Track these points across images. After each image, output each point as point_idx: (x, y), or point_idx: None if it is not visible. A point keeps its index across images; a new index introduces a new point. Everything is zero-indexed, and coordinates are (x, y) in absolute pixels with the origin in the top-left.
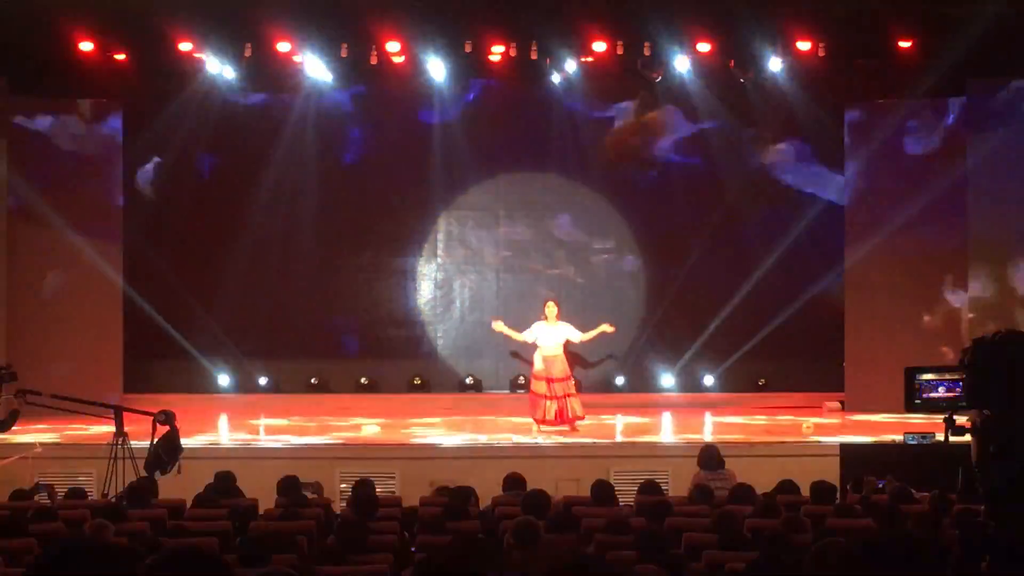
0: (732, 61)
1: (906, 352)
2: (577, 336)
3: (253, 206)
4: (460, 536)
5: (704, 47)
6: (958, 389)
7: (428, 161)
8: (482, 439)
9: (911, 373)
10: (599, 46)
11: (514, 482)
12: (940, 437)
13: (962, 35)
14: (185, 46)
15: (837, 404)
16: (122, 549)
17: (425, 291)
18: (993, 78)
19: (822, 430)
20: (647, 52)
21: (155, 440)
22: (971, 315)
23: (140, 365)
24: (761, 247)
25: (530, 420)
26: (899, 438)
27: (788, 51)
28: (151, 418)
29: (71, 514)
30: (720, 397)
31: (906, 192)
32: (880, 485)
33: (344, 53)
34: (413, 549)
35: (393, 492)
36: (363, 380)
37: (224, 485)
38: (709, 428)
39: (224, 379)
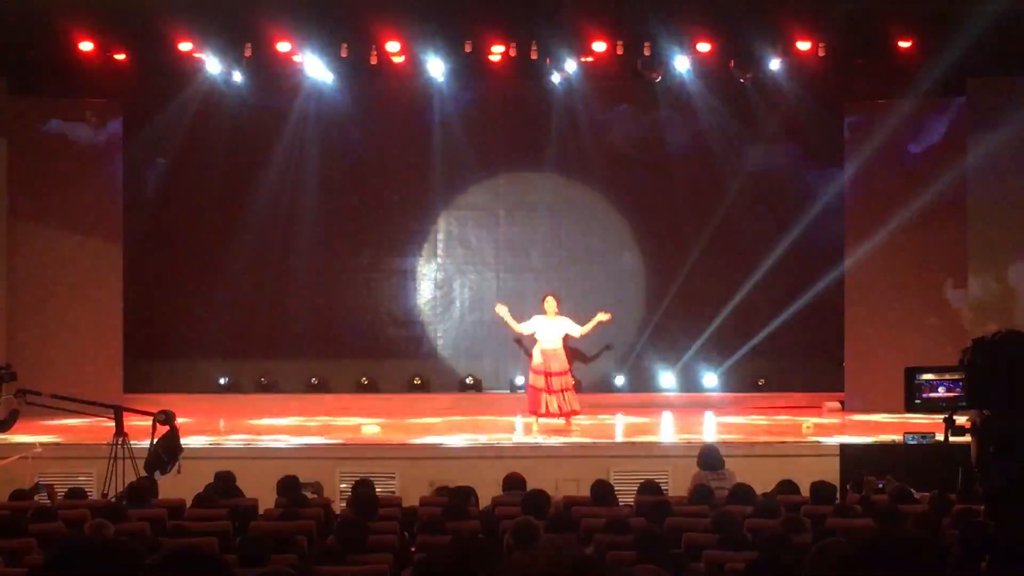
0: (732, 61)
1: (906, 352)
2: (576, 330)
3: (253, 206)
4: (460, 536)
5: (704, 47)
6: (958, 389)
7: (428, 161)
8: (482, 439)
9: (911, 373)
10: (599, 46)
11: (514, 482)
12: (940, 437)
13: (962, 35)
14: (185, 46)
15: (837, 404)
16: (124, 548)
17: (425, 291)
18: (993, 78)
19: (822, 430)
20: (647, 52)
21: (155, 440)
22: (971, 315)
23: (140, 365)
24: (761, 247)
25: (530, 420)
26: (899, 438)
27: (788, 51)
28: (151, 418)
29: (71, 514)
30: (720, 397)
31: (906, 192)
32: (880, 485)
33: (344, 53)
34: (413, 549)
35: (393, 492)
36: (363, 380)
37: (224, 485)
38: (709, 428)
39: (224, 379)
